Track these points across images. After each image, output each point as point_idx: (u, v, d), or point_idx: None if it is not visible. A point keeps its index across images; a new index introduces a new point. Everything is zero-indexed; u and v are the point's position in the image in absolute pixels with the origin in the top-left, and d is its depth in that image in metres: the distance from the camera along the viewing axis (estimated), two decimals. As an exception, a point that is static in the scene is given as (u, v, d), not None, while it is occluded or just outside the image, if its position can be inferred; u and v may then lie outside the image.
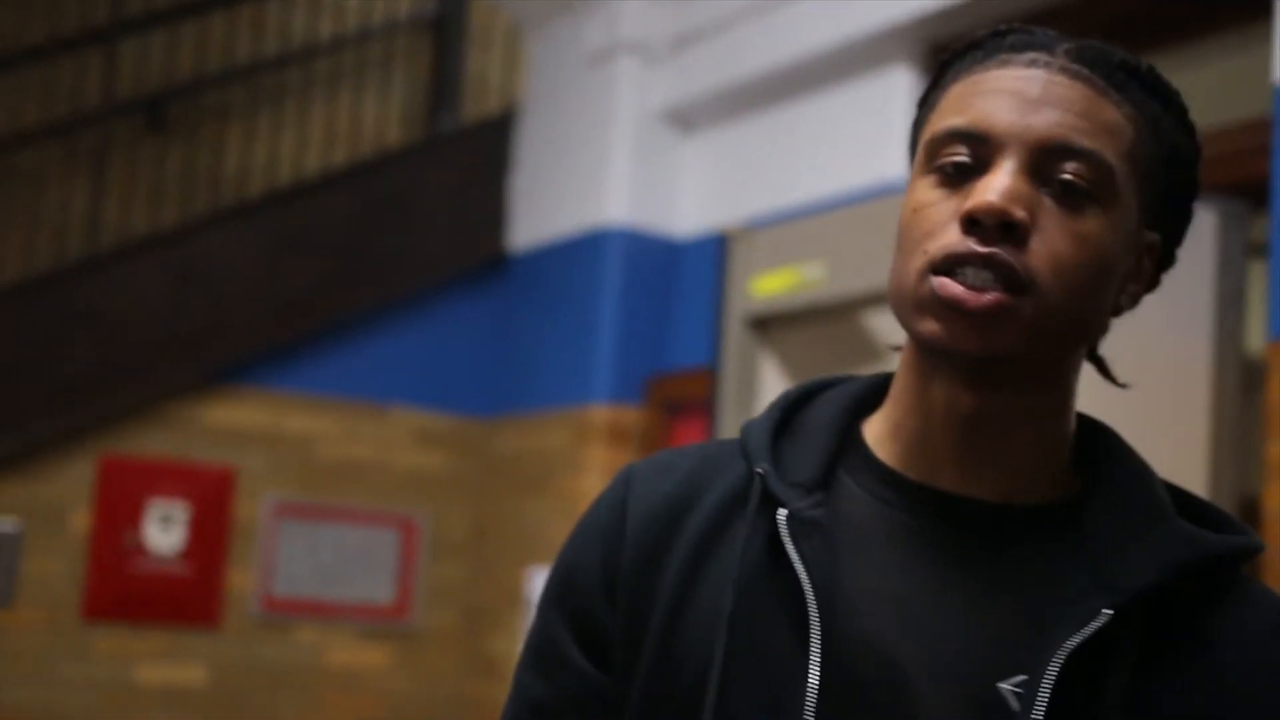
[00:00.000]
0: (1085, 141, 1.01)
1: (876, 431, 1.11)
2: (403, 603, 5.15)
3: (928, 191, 1.04)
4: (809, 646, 1.01)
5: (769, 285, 4.09)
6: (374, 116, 5.92)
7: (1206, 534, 1.03)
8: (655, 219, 4.82)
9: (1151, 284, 1.11)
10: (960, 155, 1.03)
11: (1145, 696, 0.98)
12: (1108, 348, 1.14)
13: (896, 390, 1.10)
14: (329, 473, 5.08)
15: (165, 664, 4.79)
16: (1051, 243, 1.00)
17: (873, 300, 3.68)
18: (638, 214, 4.80)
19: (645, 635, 1.07)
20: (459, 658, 5.21)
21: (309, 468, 5.05)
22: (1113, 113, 1.03)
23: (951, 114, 1.05)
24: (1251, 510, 3.14)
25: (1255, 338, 3.26)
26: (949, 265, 1.00)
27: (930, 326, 1.01)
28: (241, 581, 4.92)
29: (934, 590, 1.03)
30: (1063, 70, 1.03)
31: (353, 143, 5.80)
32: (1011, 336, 1.00)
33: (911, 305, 1.03)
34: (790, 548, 1.03)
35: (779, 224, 4.25)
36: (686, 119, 4.83)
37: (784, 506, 1.05)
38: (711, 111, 4.73)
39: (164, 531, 4.78)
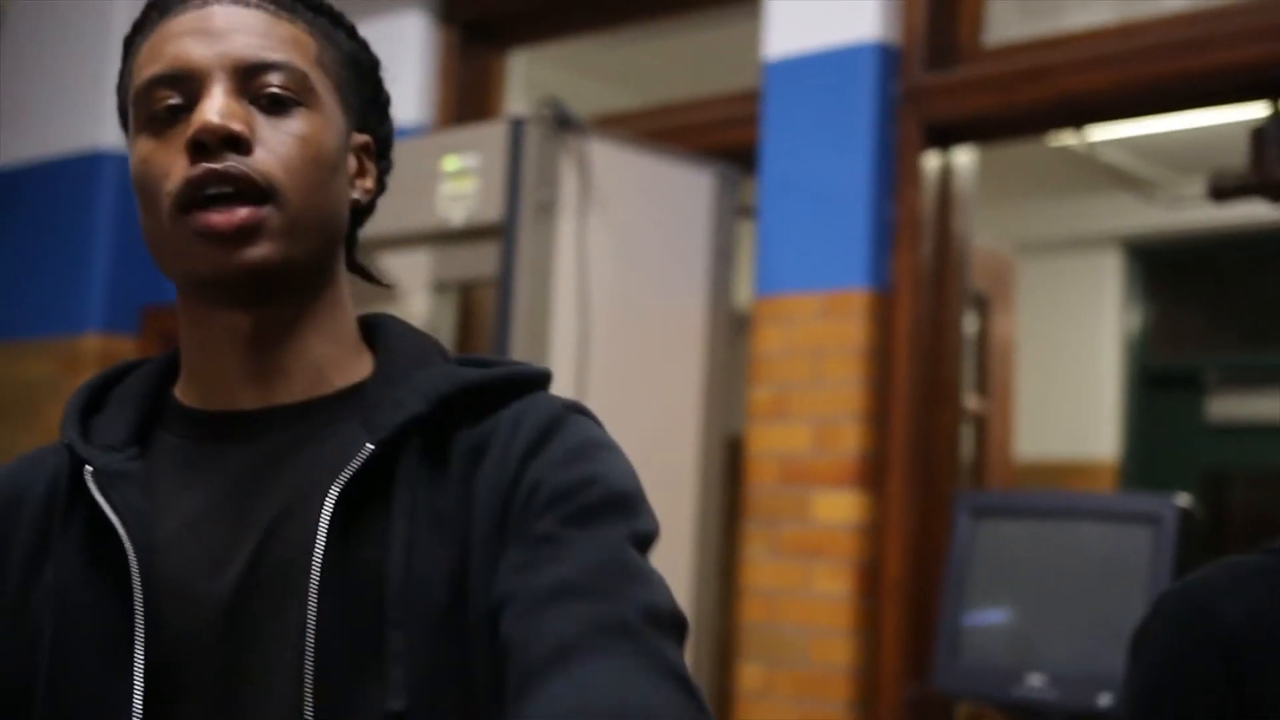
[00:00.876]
0: (277, 55, 1.08)
1: (183, 387, 1.15)
2: None
3: (148, 143, 1.08)
4: (132, 592, 1.04)
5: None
6: None
7: (466, 370, 1.14)
8: (155, 144, 4.66)
9: (380, 186, 1.20)
10: (170, 99, 1.07)
11: (426, 502, 1.07)
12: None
13: (184, 343, 1.15)
14: None
15: None
16: (276, 148, 1.07)
17: (384, 243, 3.76)
18: (136, 138, 4.63)
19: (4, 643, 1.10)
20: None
21: None
22: (290, 29, 1.11)
23: (149, 66, 1.09)
24: (736, 448, 3.46)
25: (743, 292, 3.57)
26: (190, 193, 1.04)
27: (194, 264, 1.06)
28: None
29: (233, 502, 1.08)
30: (233, 3, 1.10)
31: None
32: (268, 246, 1.05)
33: (172, 251, 1.07)
34: (101, 499, 1.06)
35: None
36: (189, 42, 4.68)
37: (90, 464, 1.09)
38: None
39: None
